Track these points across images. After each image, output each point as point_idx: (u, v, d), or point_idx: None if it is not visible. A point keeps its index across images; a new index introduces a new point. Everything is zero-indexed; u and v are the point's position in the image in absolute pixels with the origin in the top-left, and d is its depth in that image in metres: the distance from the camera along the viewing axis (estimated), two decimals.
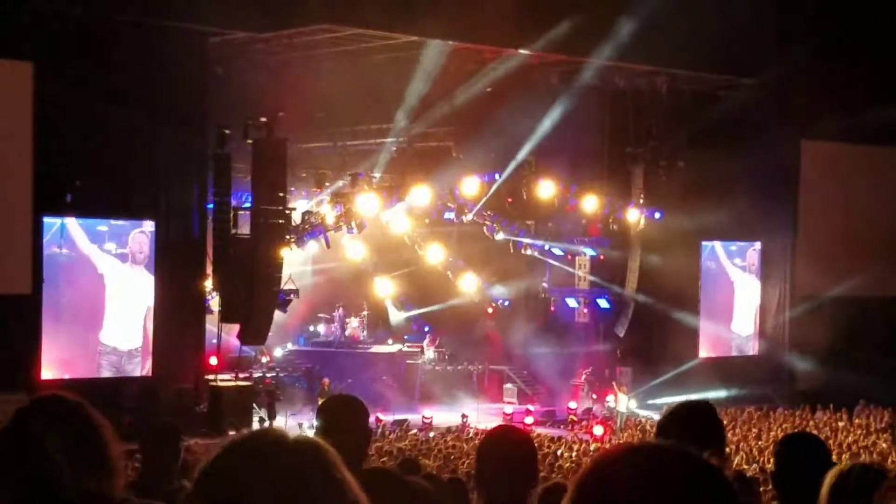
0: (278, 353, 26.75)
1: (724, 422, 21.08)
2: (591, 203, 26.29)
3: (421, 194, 24.89)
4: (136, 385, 20.10)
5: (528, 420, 23.65)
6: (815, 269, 27.18)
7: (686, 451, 1.87)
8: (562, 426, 24.34)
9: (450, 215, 26.83)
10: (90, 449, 2.83)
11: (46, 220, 19.41)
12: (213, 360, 22.53)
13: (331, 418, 4.51)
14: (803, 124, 26.93)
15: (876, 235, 27.46)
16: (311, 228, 24.51)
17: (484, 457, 4.35)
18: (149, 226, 20.75)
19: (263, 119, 21.28)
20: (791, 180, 27.69)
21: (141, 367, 20.65)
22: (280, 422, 22.00)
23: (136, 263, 20.80)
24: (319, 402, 4.96)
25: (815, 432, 20.21)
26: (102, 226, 20.42)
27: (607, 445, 15.96)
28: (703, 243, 28.02)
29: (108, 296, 20.41)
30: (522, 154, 25.92)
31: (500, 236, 27.35)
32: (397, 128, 24.57)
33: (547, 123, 25.19)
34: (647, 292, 26.79)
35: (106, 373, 20.23)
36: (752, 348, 28.53)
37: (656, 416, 24.57)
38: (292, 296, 24.18)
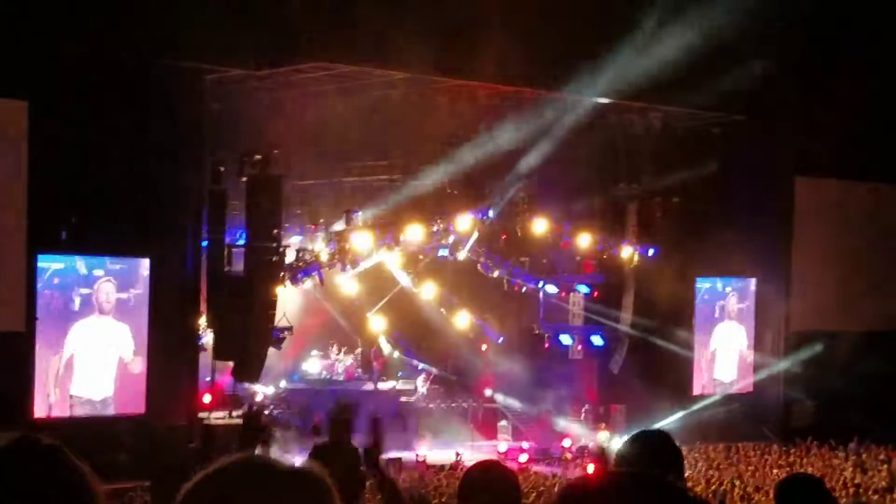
0: (272, 390, 26.64)
1: (720, 458, 20.79)
2: (584, 240, 26.33)
3: (415, 232, 24.93)
4: (132, 423, 19.98)
5: (523, 458, 23.55)
6: (809, 305, 27.23)
7: (653, 476, 1.89)
8: (557, 464, 24.24)
9: (444, 252, 26.85)
10: (67, 494, 2.77)
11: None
12: (207, 398, 22.45)
13: (323, 464, 4.47)
14: (797, 160, 27.06)
15: (870, 272, 27.52)
16: (305, 266, 24.48)
17: (467, 493, 4.30)
18: (131, 267, 20.39)
19: (258, 156, 21.31)
20: (785, 217, 27.74)
21: (117, 410, 20.32)
22: None
23: (103, 314, 20.30)
24: (313, 443, 4.94)
25: (810, 469, 20.18)
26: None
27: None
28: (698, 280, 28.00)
29: (77, 353, 19.90)
30: (516, 191, 26.03)
31: (494, 274, 27.36)
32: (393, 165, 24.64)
33: (540, 160, 25.26)
34: (641, 329, 26.76)
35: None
36: (742, 388, 28.46)
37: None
38: (286, 333, 24.11)
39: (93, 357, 20.15)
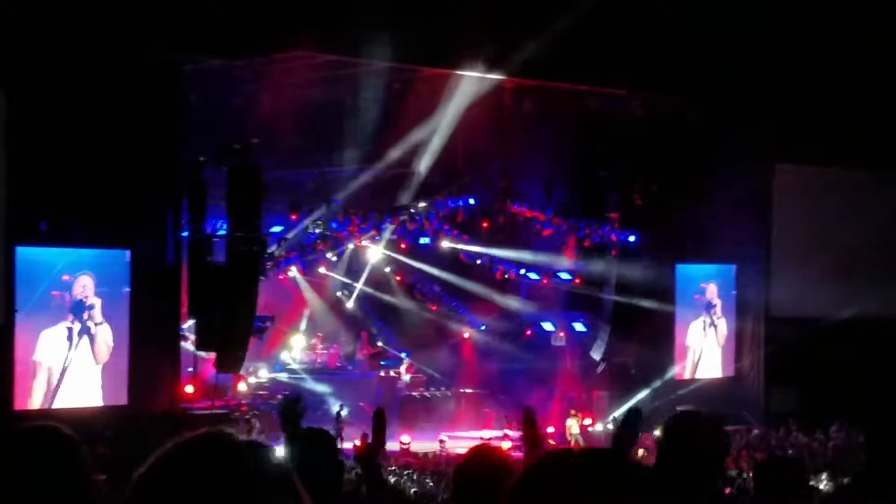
0: (254, 380, 26.63)
1: None
2: (565, 227, 26.40)
3: (396, 220, 24.97)
4: (113, 414, 19.93)
5: (506, 445, 23.58)
6: (788, 291, 27.30)
7: (614, 453, 1.91)
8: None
9: (425, 240, 26.88)
10: (73, 481, 2.81)
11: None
12: (190, 389, 22.41)
13: (299, 453, 4.48)
14: (777, 146, 27.10)
15: (850, 258, 27.59)
16: (286, 255, 24.47)
17: (463, 478, 4.31)
18: (111, 258, 20.05)
19: (238, 146, 21.23)
20: (765, 203, 27.79)
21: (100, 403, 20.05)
22: None
23: (79, 315, 19.45)
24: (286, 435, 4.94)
25: (790, 452, 20.30)
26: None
27: None
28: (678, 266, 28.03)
29: (53, 368, 19.18)
30: (496, 179, 26.07)
31: (477, 261, 27.43)
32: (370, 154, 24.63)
33: (520, 147, 25.28)
34: (622, 316, 26.81)
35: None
36: (722, 373, 28.54)
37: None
38: (268, 323, 24.08)
39: (74, 371, 19.45)
